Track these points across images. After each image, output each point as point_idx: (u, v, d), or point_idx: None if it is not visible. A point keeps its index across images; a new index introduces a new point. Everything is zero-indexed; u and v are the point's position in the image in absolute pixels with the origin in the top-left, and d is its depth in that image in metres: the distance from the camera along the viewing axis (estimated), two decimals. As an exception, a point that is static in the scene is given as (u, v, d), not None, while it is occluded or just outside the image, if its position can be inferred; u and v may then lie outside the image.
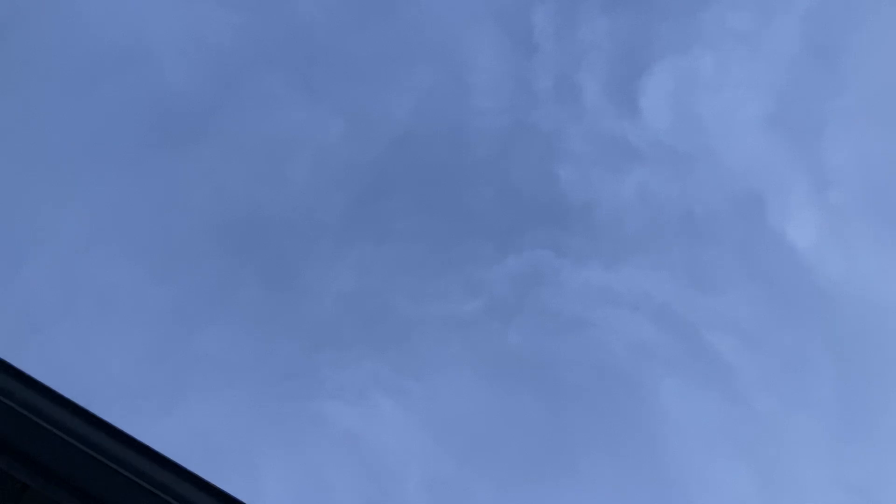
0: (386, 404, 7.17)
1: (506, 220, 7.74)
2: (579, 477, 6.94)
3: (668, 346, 7.43)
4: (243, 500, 1.61)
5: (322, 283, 7.49)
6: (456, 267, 7.57)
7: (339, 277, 7.51)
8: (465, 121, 7.77)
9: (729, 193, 7.61)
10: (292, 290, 7.44)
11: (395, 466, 7.17)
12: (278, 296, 7.42)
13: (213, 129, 7.74)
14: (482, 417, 7.31)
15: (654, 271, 7.60)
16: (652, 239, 7.72)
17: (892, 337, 6.95)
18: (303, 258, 7.57)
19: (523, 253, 7.54)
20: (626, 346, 7.50)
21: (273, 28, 7.75)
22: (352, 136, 7.70)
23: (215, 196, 7.58)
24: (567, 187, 7.68)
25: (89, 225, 7.11)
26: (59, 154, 7.17)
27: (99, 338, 6.72)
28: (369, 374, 7.17)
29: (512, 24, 7.81)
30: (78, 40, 7.37)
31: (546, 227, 7.69)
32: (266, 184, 7.70)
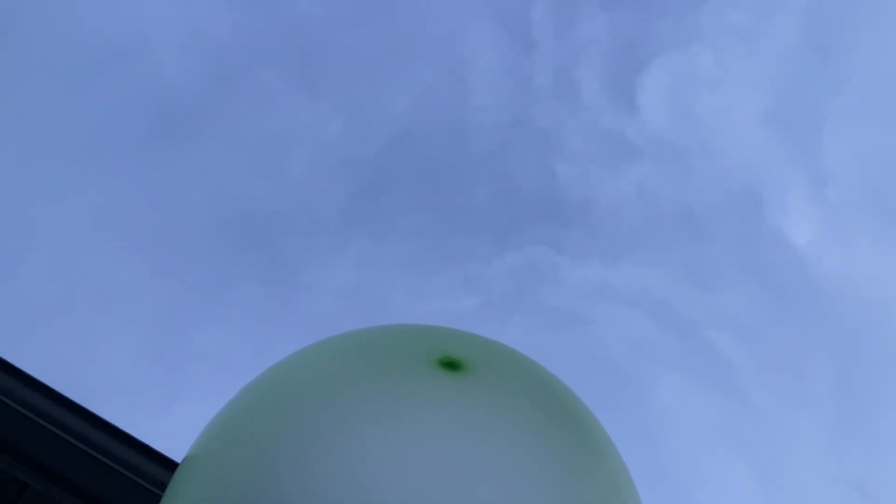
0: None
1: (504, 216, 7.75)
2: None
3: (666, 343, 7.44)
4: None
5: (321, 279, 7.49)
6: (454, 263, 7.58)
7: (338, 273, 7.51)
8: (464, 117, 7.77)
9: (727, 190, 7.62)
10: (291, 286, 7.44)
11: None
12: (277, 292, 7.42)
13: (211, 125, 7.73)
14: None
15: (652, 268, 7.61)
16: (650, 235, 7.73)
17: (891, 334, 6.96)
18: (301, 254, 7.57)
19: (522, 249, 7.55)
20: (625, 342, 7.51)
21: (271, 24, 7.74)
22: (350, 132, 7.70)
23: (213, 192, 7.57)
24: (565, 183, 7.68)
25: (87, 221, 7.10)
26: (57, 149, 7.16)
27: (97, 334, 6.72)
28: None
29: (510, 20, 7.80)
30: (75, 35, 7.36)
31: (544, 223, 7.69)
32: (264, 180, 7.70)
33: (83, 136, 7.25)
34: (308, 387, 0.82)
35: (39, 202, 6.99)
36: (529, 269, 7.48)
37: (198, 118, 7.67)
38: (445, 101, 7.80)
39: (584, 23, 7.71)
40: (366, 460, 0.72)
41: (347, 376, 0.82)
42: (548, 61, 7.68)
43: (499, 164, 7.77)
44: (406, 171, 7.73)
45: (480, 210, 7.72)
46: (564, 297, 7.50)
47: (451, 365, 0.82)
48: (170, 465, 1.62)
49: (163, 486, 1.59)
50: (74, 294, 6.89)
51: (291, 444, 0.75)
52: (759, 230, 7.44)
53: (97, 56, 7.38)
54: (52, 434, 1.63)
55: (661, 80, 7.56)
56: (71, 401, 1.66)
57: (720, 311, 7.43)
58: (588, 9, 7.73)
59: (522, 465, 0.76)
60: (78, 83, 7.29)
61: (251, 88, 7.72)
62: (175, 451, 1.69)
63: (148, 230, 7.22)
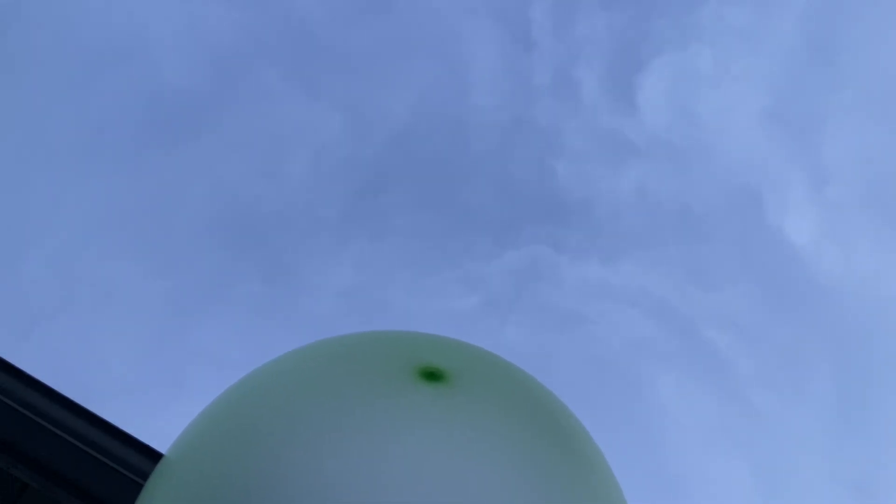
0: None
1: (504, 215, 7.75)
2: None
3: (665, 342, 7.45)
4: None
5: (320, 278, 7.49)
6: (454, 262, 7.58)
7: (338, 272, 7.51)
8: (463, 116, 7.76)
9: (727, 189, 7.62)
10: (291, 285, 7.44)
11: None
12: (277, 291, 7.42)
13: (211, 125, 7.73)
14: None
15: (651, 267, 7.62)
16: (650, 234, 7.73)
17: (890, 333, 6.96)
18: (301, 253, 7.57)
19: (521, 248, 7.54)
20: (624, 341, 7.51)
21: (271, 23, 7.73)
22: (350, 131, 7.70)
23: (213, 191, 7.57)
24: (565, 183, 7.68)
25: (87, 220, 7.10)
26: (57, 148, 7.16)
27: (97, 334, 6.71)
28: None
29: (510, 19, 7.80)
30: (75, 35, 7.36)
31: (544, 222, 7.69)
32: (264, 179, 7.70)
33: (82, 135, 7.25)
34: (286, 397, 0.79)
35: (38, 201, 6.99)
36: (529, 269, 7.49)
37: (197, 117, 7.67)
38: (445, 101, 7.81)
39: (584, 22, 7.72)
40: (344, 474, 0.69)
41: (326, 387, 0.78)
42: (547, 60, 7.68)
43: (498, 164, 7.78)
44: (406, 171, 7.74)
45: (480, 209, 7.72)
46: (564, 296, 7.50)
47: (432, 375, 0.78)
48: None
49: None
50: (74, 293, 6.89)
51: (268, 455, 0.72)
52: (758, 229, 7.44)
53: (97, 55, 7.38)
54: (52, 434, 1.63)
55: (661, 80, 7.56)
56: (71, 401, 1.66)
57: (720, 311, 7.44)
58: (588, 8, 7.73)
59: (507, 479, 0.73)
60: (78, 82, 7.29)
61: (251, 88, 7.72)
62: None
63: (147, 229, 7.22)
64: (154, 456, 1.63)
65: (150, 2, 7.55)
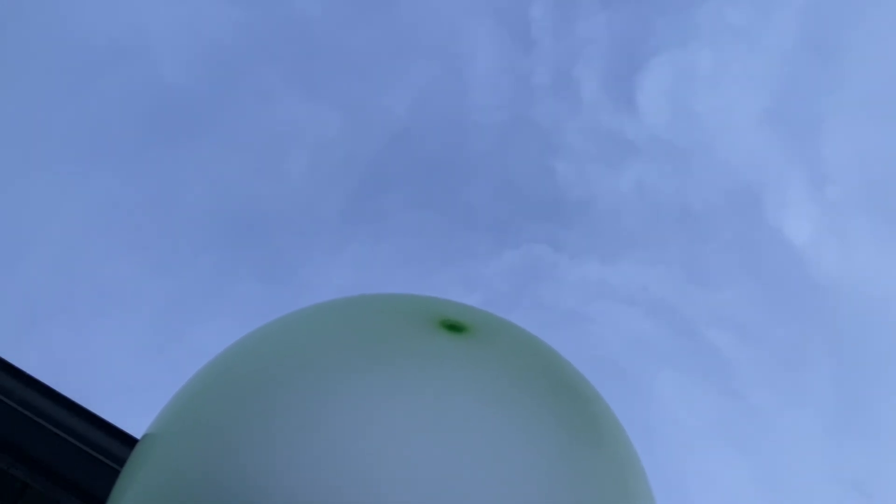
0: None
1: (503, 214, 7.75)
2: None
3: (664, 341, 7.45)
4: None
5: (320, 277, 7.50)
6: (454, 261, 7.58)
7: (338, 271, 7.52)
8: (463, 116, 7.77)
9: (726, 189, 7.62)
10: (290, 285, 7.44)
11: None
12: (276, 290, 7.42)
13: (210, 124, 7.73)
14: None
15: (651, 266, 7.62)
16: (649, 234, 7.73)
17: (890, 332, 6.97)
18: (301, 252, 7.58)
19: (521, 247, 7.55)
20: (623, 340, 7.52)
21: (270, 23, 7.74)
22: (349, 130, 7.70)
23: (213, 190, 7.58)
24: (564, 182, 7.69)
25: (87, 219, 7.10)
26: (57, 148, 7.16)
27: (97, 333, 6.72)
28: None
29: (510, 18, 7.81)
30: (76, 34, 7.36)
31: (543, 221, 7.70)
32: (264, 178, 7.71)
33: (83, 134, 7.26)
34: (303, 346, 0.79)
35: (39, 201, 6.99)
36: (528, 268, 7.49)
37: (198, 117, 7.67)
38: (445, 100, 7.81)
39: (584, 21, 7.72)
40: (366, 420, 0.68)
41: (348, 336, 0.79)
42: (547, 60, 7.69)
43: (498, 163, 7.78)
44: (405, 170, 7.74)
45: (479, 208, 7.73)
46: (563, 295, 7.51)
47: (454, 327, 0.80)
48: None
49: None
50: (74, 293, 6.89)
51: (287, 401, 0.71)
52: (758, 229, 7.45)
53: (97, 55, 7.38)
54: (52, 434, 1.63)
55: (660, 79, 7.56)
56: (71, 401, 1.66)
57: (719, 310, 7.44)
58: (587, 7, 7.73)
59: (529, 425, 0.74)
60: (78, 82, 7.29)
61: (251, 87, 7.72)
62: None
63: (148, 228, 7.22)
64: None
65: (150, 1, 7.55)
